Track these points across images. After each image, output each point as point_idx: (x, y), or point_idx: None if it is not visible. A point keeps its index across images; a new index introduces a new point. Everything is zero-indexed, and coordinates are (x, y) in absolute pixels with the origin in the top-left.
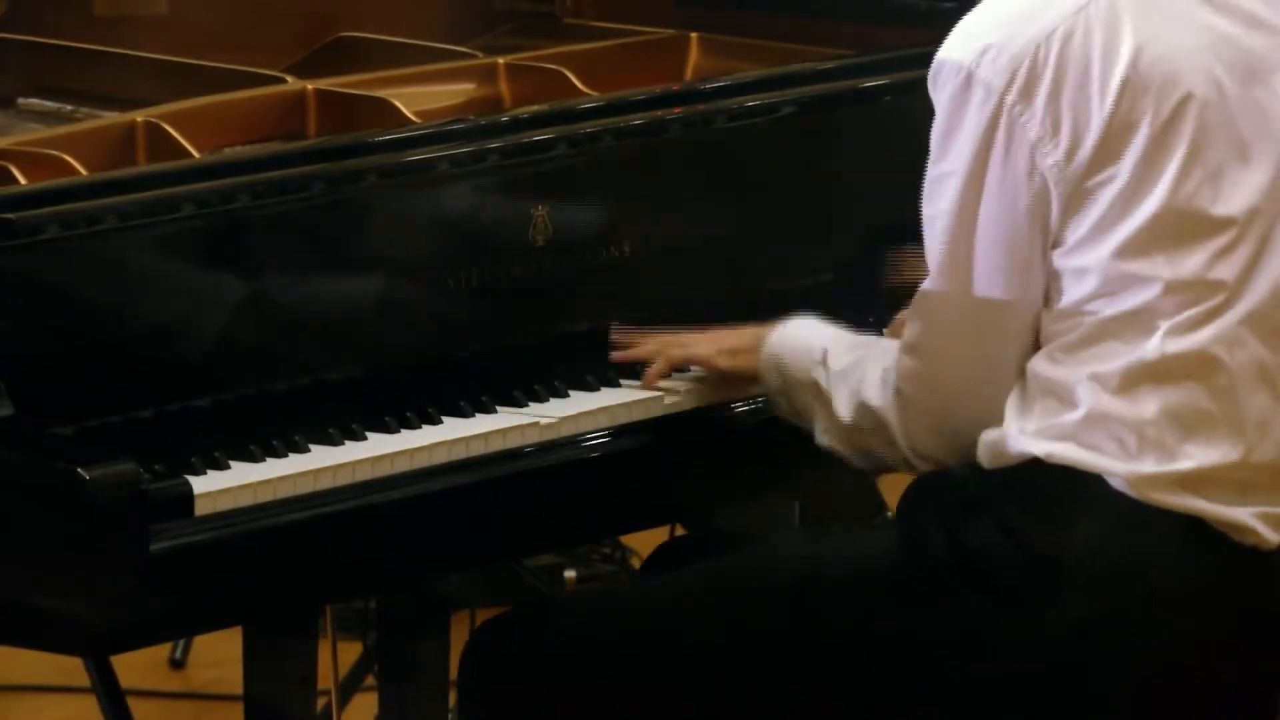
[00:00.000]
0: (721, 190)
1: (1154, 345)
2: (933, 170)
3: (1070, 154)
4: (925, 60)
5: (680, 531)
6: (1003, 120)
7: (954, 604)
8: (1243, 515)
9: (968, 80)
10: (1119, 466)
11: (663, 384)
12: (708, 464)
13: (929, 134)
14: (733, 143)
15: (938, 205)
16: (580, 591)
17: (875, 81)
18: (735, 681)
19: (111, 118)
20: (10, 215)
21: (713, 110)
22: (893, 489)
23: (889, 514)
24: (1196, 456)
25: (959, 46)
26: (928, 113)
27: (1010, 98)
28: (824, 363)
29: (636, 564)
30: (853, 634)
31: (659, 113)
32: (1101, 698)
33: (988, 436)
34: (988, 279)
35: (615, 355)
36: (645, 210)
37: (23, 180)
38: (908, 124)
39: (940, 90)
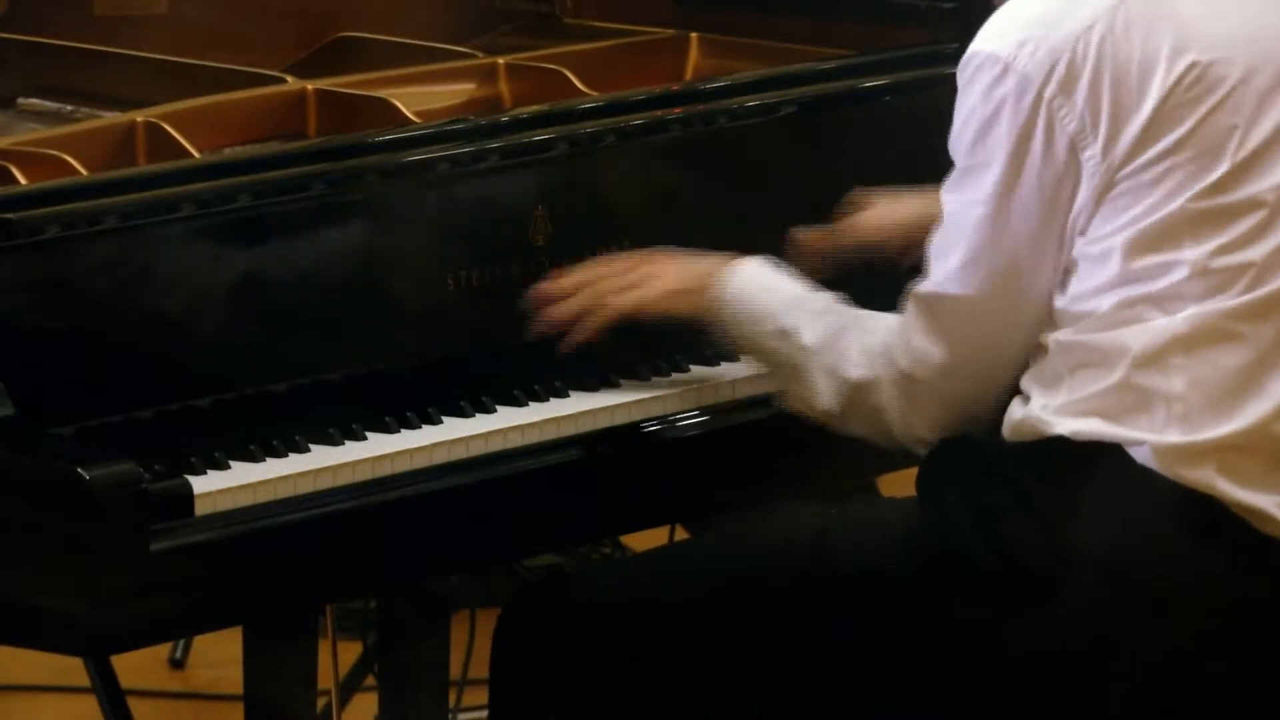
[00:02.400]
0: (722, 190)
1: (1183, 319)
2: (964, 161)
3: (1109, 146)
4: (925, 60)
5: (680, 532)
6: (1041, 112)
7: (962, 602)
8: (1266, 503)
9: (1004, 72)
10: (1147, 436)
11: (658, 389)
12: (708, 465)
13: (928, 133)
14: (733, 143)
15: (969, 195)
16: (616, 562)
17: (875, 81)
18: (740, 675)
19: (111, 118)
20: (10, 215)
21: (713, 110)
22: (893, 489)
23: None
24: (1223, 426)
25: (994, 39)
26: (927, 113)
27: (1049, 90)
28: (790, 334)
29: None
30: (861, 634)
31: (659, 113)
32: (1108, 693)
33: (1011, 413)
34: (1018, 267)
35: (541, 325)
36: (645, 210)
37: (23, 180)
38: (907, 124)
39: (974, 81)
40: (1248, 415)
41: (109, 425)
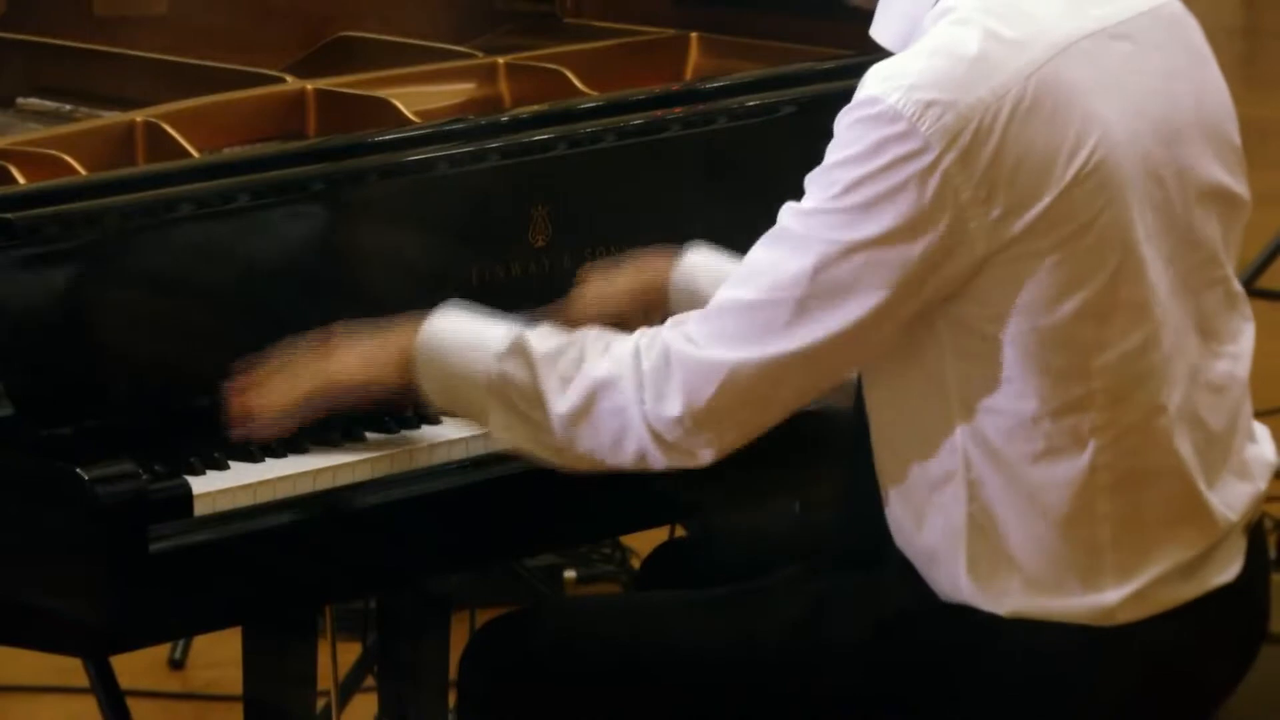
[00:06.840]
0: (721, 190)
1: (1088, 461)
2: (832, 201)
3: (1002, 222)
4: None
5: (680, 532)
6: (935, 178)
7: (945, 630)
8: (1202, 585)
9: (906, 132)
10: (1085, 602)
11: None
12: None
13: None
14: (733, 143)
15: (822, 230)
16: (582, 596)
17: None
18: (730, 694)
19: (111, 118)
20: (10, 215)
21: (713, 110)
22: None
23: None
24: (1162, 561)
25: (899, 92)
26: None
27: (949, 158)
28: (518, 349)
29: (636, 564)
30: (850, 651)
31: (659, 113)
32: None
33: (941, 584)
34: (851, 313)
35: (240, 430)
36: (645, 210)
37: (23, 180)
38: None
39: (868, 127)
40: (1183, 542)
41: (109, 425)
